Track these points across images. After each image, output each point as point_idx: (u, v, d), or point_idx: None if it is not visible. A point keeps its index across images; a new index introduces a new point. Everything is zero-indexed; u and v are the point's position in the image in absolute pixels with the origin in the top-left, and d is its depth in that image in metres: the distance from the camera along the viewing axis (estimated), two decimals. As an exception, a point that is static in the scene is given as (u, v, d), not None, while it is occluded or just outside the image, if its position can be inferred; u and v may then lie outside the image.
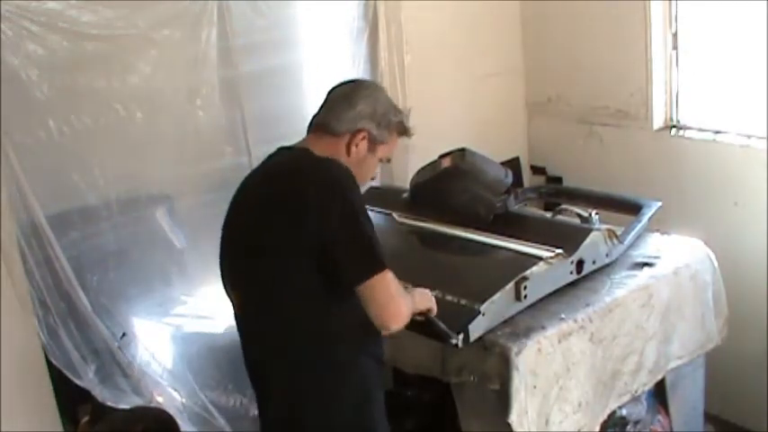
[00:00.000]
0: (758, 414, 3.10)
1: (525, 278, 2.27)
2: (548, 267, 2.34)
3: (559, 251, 2.39)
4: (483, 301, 2.19)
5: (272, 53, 3.06)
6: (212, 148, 2.95)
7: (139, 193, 2.82)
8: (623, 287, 2.44)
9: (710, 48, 3.20)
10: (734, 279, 2.83)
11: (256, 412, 2.81)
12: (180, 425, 2.62)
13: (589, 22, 3.46)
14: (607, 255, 2.52)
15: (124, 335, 2.71)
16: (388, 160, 2.13)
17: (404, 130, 2.07)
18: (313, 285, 1.83)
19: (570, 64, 3.60)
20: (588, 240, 2.44)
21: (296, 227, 1.80)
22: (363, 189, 2.08)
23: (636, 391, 2.48)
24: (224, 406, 2.89)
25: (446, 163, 2.67)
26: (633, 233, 2.65)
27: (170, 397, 2.77)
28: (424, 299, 2.05)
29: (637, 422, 2.62)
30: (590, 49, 3.49)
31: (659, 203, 2.80)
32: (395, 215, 2.81)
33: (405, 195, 2.86)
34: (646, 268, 2.54)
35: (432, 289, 2.13)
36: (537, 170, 3.88)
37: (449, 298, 2.21)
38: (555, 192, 3.21)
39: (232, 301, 2.01)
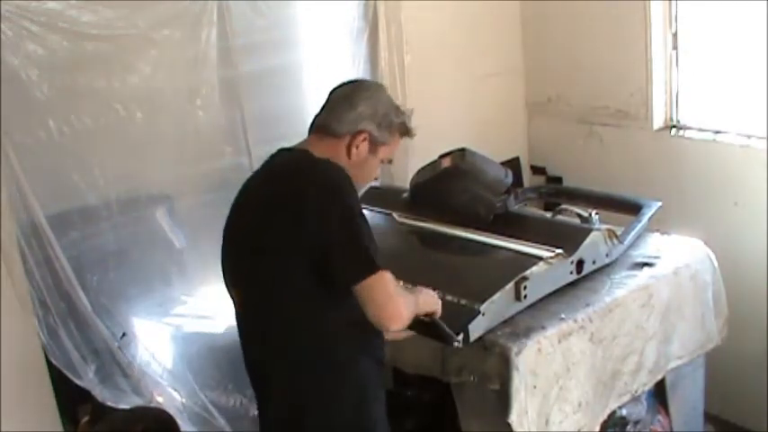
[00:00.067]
0: (758, 414, 3.10)
1: (525, 278, 2.27)
2: (548, 267, 2.34)
3: (559, 251, 2.39)
4: (483, 301, 2.19)
5: (272, 53, 3.06)
6: (212, 148, 2.95)
7: (139, 193, 2.82)
8: (623, 287, 2.44)
9: (710, 48, 3.20)
10: (734, 279, 2.83)
11: (256, 412, 2.81)
12: (180, 425, 2.62)
13: (589, 22, 3.46)
14: (607, 255, 2.52)
15: (124, 335, 2.71)
16: (390, 161, 2.12)
17: (406, 131, 2.06)
18: (313, 286, 1.84)
19: (570, 64, 3.60)
20: (588, 240, 2.44)
21: (296, 227, 1.81)
22: (364, 189, 2.08)
23: (636, 391, 2.48)
24: (224, 406, 2.89)
25: (446, 163, 2.67)
26: (633, 233, 2.65)
27: (170, 397, 2.77)
28: (429, 301, 2.05)
29: (637, 422, 2.62)
30: (590, 49, 3.49)
31: (659, 203, 2.80)
32: (395, 215, 2.81)
33: (405, 195, 2.86)
34: (646, 268, 2.54)
35: (432, 289, 2.13)
36: (537, 170, 3.88)
37: (449, 298, 2.21)
38: (555, 192, 3.21)
39: (233, 300, 2.01)
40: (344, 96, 2.01)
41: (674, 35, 3.26)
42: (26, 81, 2.47)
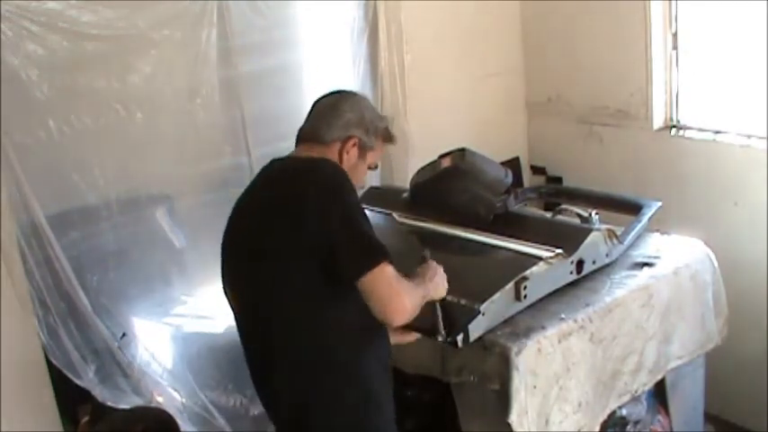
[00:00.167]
0: (758, 414, 3.10)
1: (525, 278, 2.27)
2: (548, 267, 2.34)
3: (559, 251, 2.39)
4: (483, 301, 2.19)
5: (272, 53, 3.06)
6: (212, 148, 2.95)
7: (139, 193, 2.82)
8: (623, 287, 2.44)
9: (710, 48, 3.20)
10: (734, 279, 2.83)
11: (256, 412, 2.82)
12: (180, 425, 2.62)
13: (589, 22, 3.46)
14: (607, 255, 2.52)
15: (124, 335, 2.71)
16: (376, 167, 2.16)
17: (389, 137, 2.12)
18: (314, 286, 1.84)
19: (570, 64, 3.60)
20: (588, 240, 2.44)
21: (296, 229, 1.81)
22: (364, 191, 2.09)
23: (636, 391, 2.48)
24: (224, 406, 2.89)
25: (446, 163, 2.67)
26: (633, 233, 2.65)
27: (170, 397, 2.77)
28: (440, 287, 2.05)
29: (637, 422, 2.62)
30: (590, 49, 3.49)
31: (659, 203, 2.80)
32: (395, 215, 2.81)
33: (405, 195, 2.86)
34: (646, 268, 2.54)
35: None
36: (537, 170, 3.88)
37: (449, 298, 2.20)
38: (555, 192, 3.21)
39: (231, 305, 2.02)
40: (330, 105, 2.05)
41: (674, 35, 3.26)
42: (26, 81, 2.47)
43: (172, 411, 2.66)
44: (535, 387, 2.19)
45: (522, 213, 2.79)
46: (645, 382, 2.50)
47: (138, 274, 2.80)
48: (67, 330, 2.56)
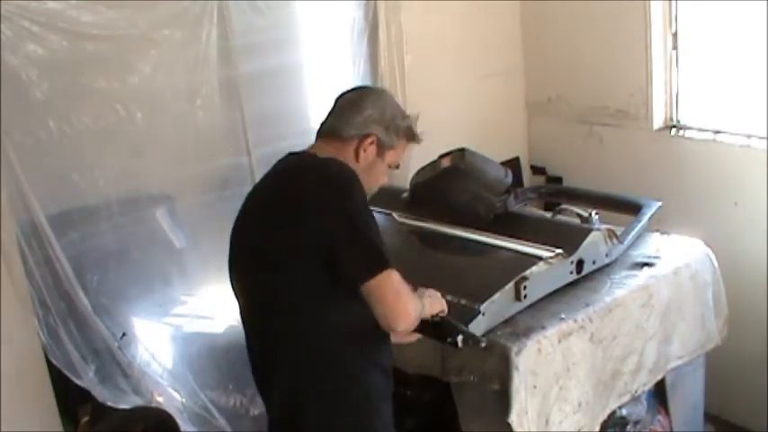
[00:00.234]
0: (758, 414, 3.10)
1: (525, 278, 2.27)
2: (548, 267, 2.35)
3: (559, 251, 2.39)
4: (483, 301, 2.19)
5: (272, 53, 3.06)
6: (212, 148, 2.95)
7: (139, 194, 2.82)
8: (623, 287, 2.44)
9: (710, 48, 3.20)
10: (734, 279, 2.83)
11: (256, 412, 2.82)
12: (180, 425, 2.62)
13: (589, 22, 3.46)
14: (607, 255, 2.52)
15: (124, 335, 2.71)
16: (397, 166, 2.11)
17: (412, 136, 2.06)
18: (315, 286, 1.83)
19: (570, 64, 3.60)
20: (588, 240, 2.44)
21: (300, 228, 1.81)
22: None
23: (636, 391, 2.48)
24: (224, 406, 2.89)
25: (446, 163, 2.67)
26: (633, 233, 2.65)
27: (170, 397, 2.77)
28: (435, 303, 2.03)
29: (637, 422, 2.62)
30: (590, 49, 3.49)
31: (659, 203, 2.80)
32: (395, 215, 2.81)
33: (405, 195, 2.86)
34: (646, 268, 2.54)
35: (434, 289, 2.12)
36: (537, 170, 3.88)
37: (449, 298, 2.20)
38: (555, 192, 3.22)
39: (238, 300, 2.01)
40: (351, 101, 2.01)
41: (674, 35, 3.26)
42: (26, 81, 2.47)
43: (172, 411, 2.66)
44: (535, 387, 2.19)
45: (522, 213, 2.79)
46: (645, 382, 2.50)
47: (139, 274, 2.80)
48: (67, 330, 2.56)
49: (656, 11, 3.23)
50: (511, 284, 2.25)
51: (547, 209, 3.13)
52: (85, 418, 2.68)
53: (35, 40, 2.45)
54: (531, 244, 2.45)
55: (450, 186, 2.65)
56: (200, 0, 2.76)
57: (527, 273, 2.29)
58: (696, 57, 3.26)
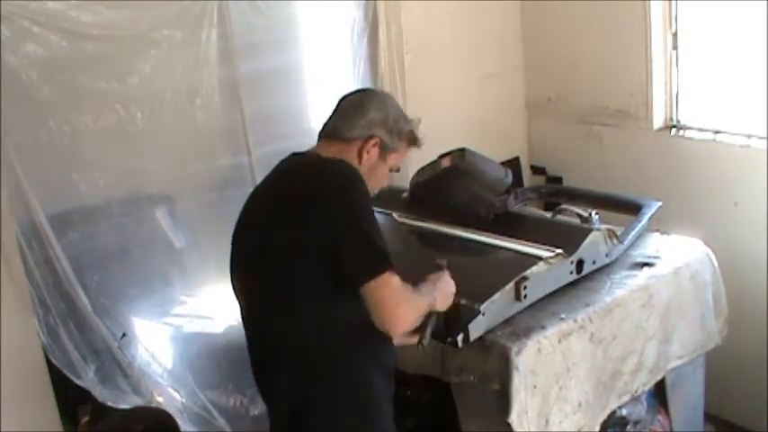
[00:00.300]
0: (758, 414, 3.11)
1: (525, 278, 2.27)
2: (548, 267, 2.34)
3: (559, 251, 2.39)
4: (483, 301, 2.18)
5: (272, 53, 3.06)
6: (212, 148, 2.95)
7: (140, 194, 2.83)
8: (623, 287, 2.44)
9: (710, 48, 3.20)
10: (734, 279, 2.83)
11: (256, 412, 2.82)
12: (180, 425, 2.62)
13: (589, 22, 3.46)
14: (607, 255, 2.52)
15: (124, 335, 2.71)
16: (398, 170, 2.12)
17: (414, 140, 2.07)
18: (317, 286, 1.83)
19: (570, 64, 3.60)
20: (588, 240, 2.44)
21: (304, 227, 1.81)
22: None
23: (636, 391, 2.48)
24: (224, 406, 2.89)
25: (446, 163, 2.66)
26: (633, 233, 2.65)
27: (170, 397, 2.77)
28: (446, 301, 2.03)
29: (637, 422, 2.62)
30: (590, 49, 3.49)
31: (659, 203, 2.80)
32: (395, 215, 2.81)
33: (405, 195, 2.86)
34: (646, 268, 2.54)
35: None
36: (537, 170, 3.88)
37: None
38: (555, 192, 3.22)
39: (239, 299, 2.01)
40: (355, 103, 2.02)
41: (674, 35, 3.26)
42: (26, 81, 2.47)
43: (172, 411, 2.66)
44: (535, 387, 2.19)
45: (522, 213, 2.79)
46: (645, 382, 2.50)
47: (139, 274, 2.80)
48: (67, 330, 2.56)
49: (656, 11, 3.23)
50: (511, 284, 2.25)
51: (547, 209, 3.12)
52: (85, 418, 2.68)
53: (35, 40, 2.45)
54: (531, 244, 2.45)
55: (450, 186, 2.65)
56: (200, 0, 2.76)
57: (527, 273, 2.28)
58: (696, 57, 3.26)
